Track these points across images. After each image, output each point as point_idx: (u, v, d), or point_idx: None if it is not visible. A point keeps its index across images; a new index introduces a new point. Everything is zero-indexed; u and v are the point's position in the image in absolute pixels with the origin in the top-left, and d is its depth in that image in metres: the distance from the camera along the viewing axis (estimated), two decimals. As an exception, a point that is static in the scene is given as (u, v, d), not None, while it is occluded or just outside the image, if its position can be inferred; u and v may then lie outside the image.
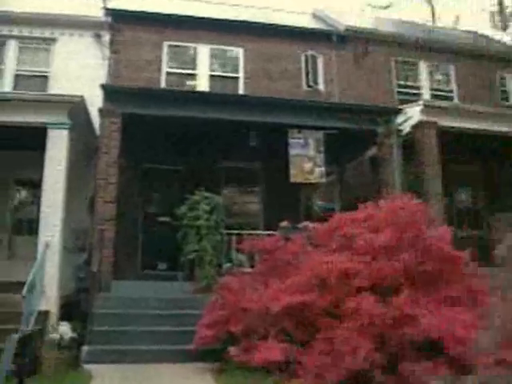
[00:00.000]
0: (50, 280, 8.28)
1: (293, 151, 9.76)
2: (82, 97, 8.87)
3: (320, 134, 9.99)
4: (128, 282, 8.92)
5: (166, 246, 11.46)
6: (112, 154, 8.76)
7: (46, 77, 12.00)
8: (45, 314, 8.01)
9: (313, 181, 9.91)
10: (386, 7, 28.68)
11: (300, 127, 9.88)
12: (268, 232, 9.17)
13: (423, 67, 14.79)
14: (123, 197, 10.64)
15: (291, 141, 9.80)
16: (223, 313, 6.39)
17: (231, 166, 12.19)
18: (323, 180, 9.97)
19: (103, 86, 8.96)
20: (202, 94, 10.24)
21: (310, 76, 13.27)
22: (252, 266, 8.96)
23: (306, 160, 9.81)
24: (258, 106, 9.63)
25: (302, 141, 9.86)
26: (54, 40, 12.27)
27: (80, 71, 11.69)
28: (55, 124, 8.69)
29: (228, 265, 8.97)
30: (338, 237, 6.45)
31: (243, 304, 6.17)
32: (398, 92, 14.25)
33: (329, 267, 5.67)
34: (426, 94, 14.41)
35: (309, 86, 13.20)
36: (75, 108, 8.94)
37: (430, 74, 14.92)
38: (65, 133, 8.77)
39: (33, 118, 8.65)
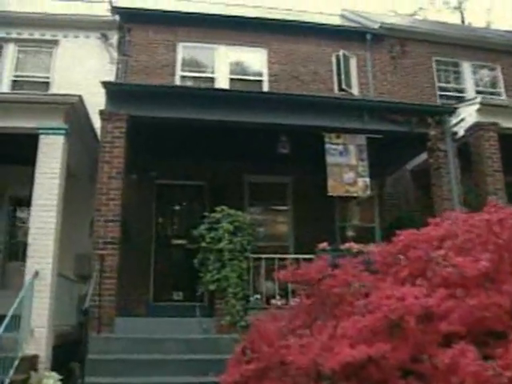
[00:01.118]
0: (38, 317, 6.74)
1: (330, 159, 8.20)
2: (80, 97, 7.45)
3: (362, 139, 8.44)
4: (136, 319, 7.38)
5: (182, 272, 10.01)
6: (115, 164, 7.30)
7: (46, 83, 10.71)
8: (31, 360, 6.47)
9: (355, 194, 8.32)
10: (412, 15, 27.22)
11: (338, 131, 8.35)
12: (305, 256, 7.58)
13: (467, 67, 13.25)
14: (133, 216, 9.24)
15: (328, 147, 8.25)
16: (255, 367, 4.76)
17: (257, 181, 10.71)
18: (368, 193, 8.37)
19: (104, 84, 7.53)
20: (223, 91, 8.74)
21: (343, 78, 11.75)
22: (286, 298, 7.37)
23: (347, 169, 8.24)
24: (288, 106, 8.12)
25: (341, 147, 8.31)
26: (56, 42, 11.02)
27: (85, 76, 10.31)
28: (48, 129, 7.27)
29: (257, 297, 7.39)
30: (406, 261, 4.82)
31: (282, 356, 4.55)
32: (440, 96, 12.70)
33: (404, 305, 4.03)
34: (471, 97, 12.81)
35: (341, 90, 11.67)
36: (73, 110, 7.54)
37: (474, 74, 13.35)
38: (60, 139, 7.34)
39: (21, 123, 7.24)
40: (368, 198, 10.90)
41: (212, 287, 7.05)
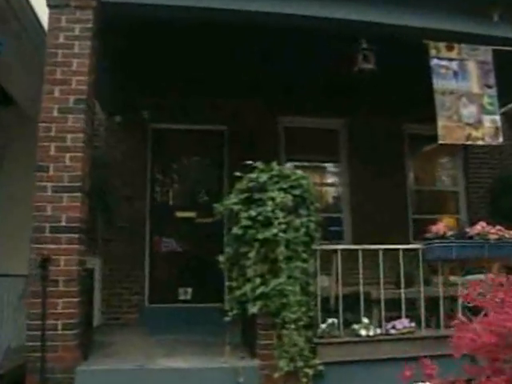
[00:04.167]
0: None
1: (441, 83, 4.86)
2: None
3: (488, 53, 5.11)
4: (116, 368, 4.09)
5: (190, 260, 6.96)
6: (74, 85, 3.98)
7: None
8: None
9: (480, 142, 5.00)
10: None
11: (450, 38, 5.00)
12: (404, 246, 4.47)
13: None
14: (116, 178, 6.12)
15: (436, 63, 4.90)
16: None
17: (297, 124, 7.48)
18: (500, 140, 5.06)
19: None
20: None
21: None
22: (379, 323, 4.22)
23: (466, 101, 4.94)
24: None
25: (455, 64, 4.97)
26: None
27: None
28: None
29: (331, 322, 4.18)
30: None
31: None
32: None
33: None
34: None
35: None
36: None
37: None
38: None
39: None
40: (448, 150, 7.77)
41: (253, 309, 3.86)
